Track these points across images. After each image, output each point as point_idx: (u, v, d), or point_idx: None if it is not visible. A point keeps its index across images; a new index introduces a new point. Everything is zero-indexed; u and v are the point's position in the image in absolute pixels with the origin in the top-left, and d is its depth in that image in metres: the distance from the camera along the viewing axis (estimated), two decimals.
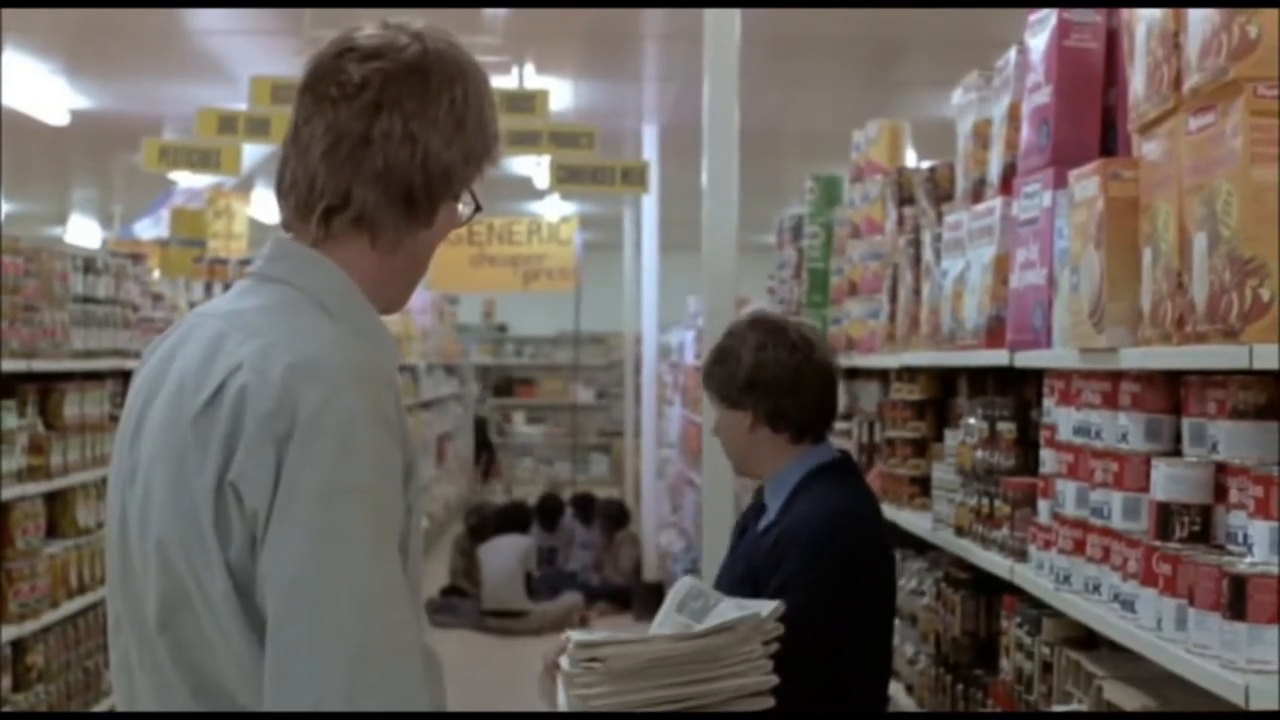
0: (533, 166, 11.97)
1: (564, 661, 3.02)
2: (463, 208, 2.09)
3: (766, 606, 2.96)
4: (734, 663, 2.89)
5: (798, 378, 3.54)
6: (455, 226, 2.10)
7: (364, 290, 2.01)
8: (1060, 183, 3.09)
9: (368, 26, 2.05)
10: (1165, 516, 2.49)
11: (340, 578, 1.78)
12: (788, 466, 3.53)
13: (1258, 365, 2.20)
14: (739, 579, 3.42)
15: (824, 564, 3.33)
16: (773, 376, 3.52)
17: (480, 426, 21.64)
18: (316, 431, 1.80)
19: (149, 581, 1.91)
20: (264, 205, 16.71)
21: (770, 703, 2.91)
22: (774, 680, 2.91)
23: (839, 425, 5.56)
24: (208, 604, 1.85)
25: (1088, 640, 3.03)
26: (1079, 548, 2.84)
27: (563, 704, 2.99)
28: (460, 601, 11.80)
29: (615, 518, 13.58)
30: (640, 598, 11.99)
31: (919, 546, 4.41)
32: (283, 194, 2.03)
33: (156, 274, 9.71)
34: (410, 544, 1.92)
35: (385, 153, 1.97)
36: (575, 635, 3.01)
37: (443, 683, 2.02)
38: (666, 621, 3.21)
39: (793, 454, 3.54)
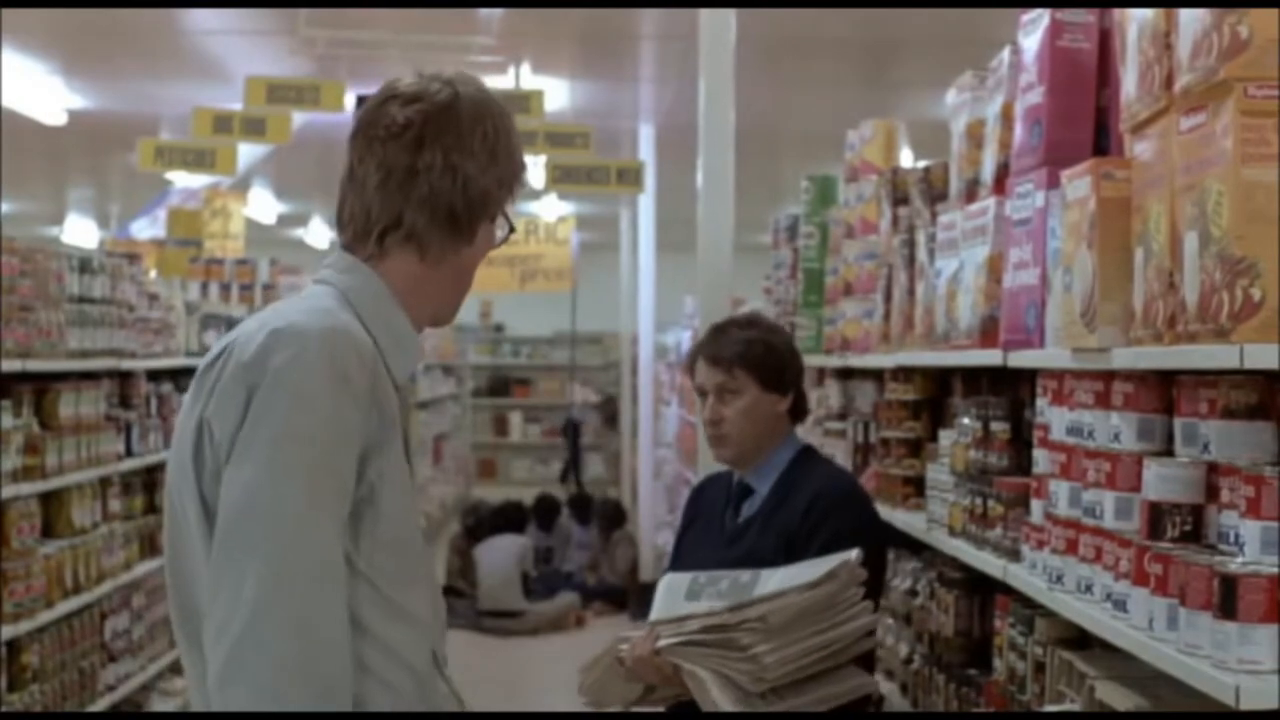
0: (529, 166, 11.98)
1: (665, 641, 3.31)
2: (498, 230, 2.40)
3: (838, 558, 3.34)
4: (845, 607, 3.30)
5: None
6: (493, 246, 2.41)
7: (409, 297, 2.31)
8: (1053, 183, 3.09)
9: (406, 77, 2.38)
10: (1157, 516, 2.49)
11: (273, 507, 2.07)
12: (778, 450, 3.85)
13: (1249, 365, 2.20)
14: (771, 552, 3.63)
15: (865, 520, 3.77)
16: (802, 366, 3.95)
17: (574, 430, 21.47)
18: (280, 383, 2.10)
19: (167, 527, 2.24)
20: (260, 205, 16.67)
21: (875, 641, 3.49)
22: (878, 617, 3.46)
23: (834, 425, 5.58)
24: (188, 533, 2.17)
25: (1080, 640, 3.03)
26: (1071, 547, 2.84)
27: (712, 691, 3.24)
28: (456, 602, 11.79)
29: (612, 518, 13.58)
30: (636, 598, 11.98)
31: (913, 546, 4.41)
32: (343, 225, 2.35)
33: (153, 274, 9.71)
34: (385, 500, 2.17)
35: (430, 181, 2.29)
36: (714, 605, 3.34)
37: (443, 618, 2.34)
38: (673, 610, 3.43)
39: (786, 439, 3.88)
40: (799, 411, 3.93)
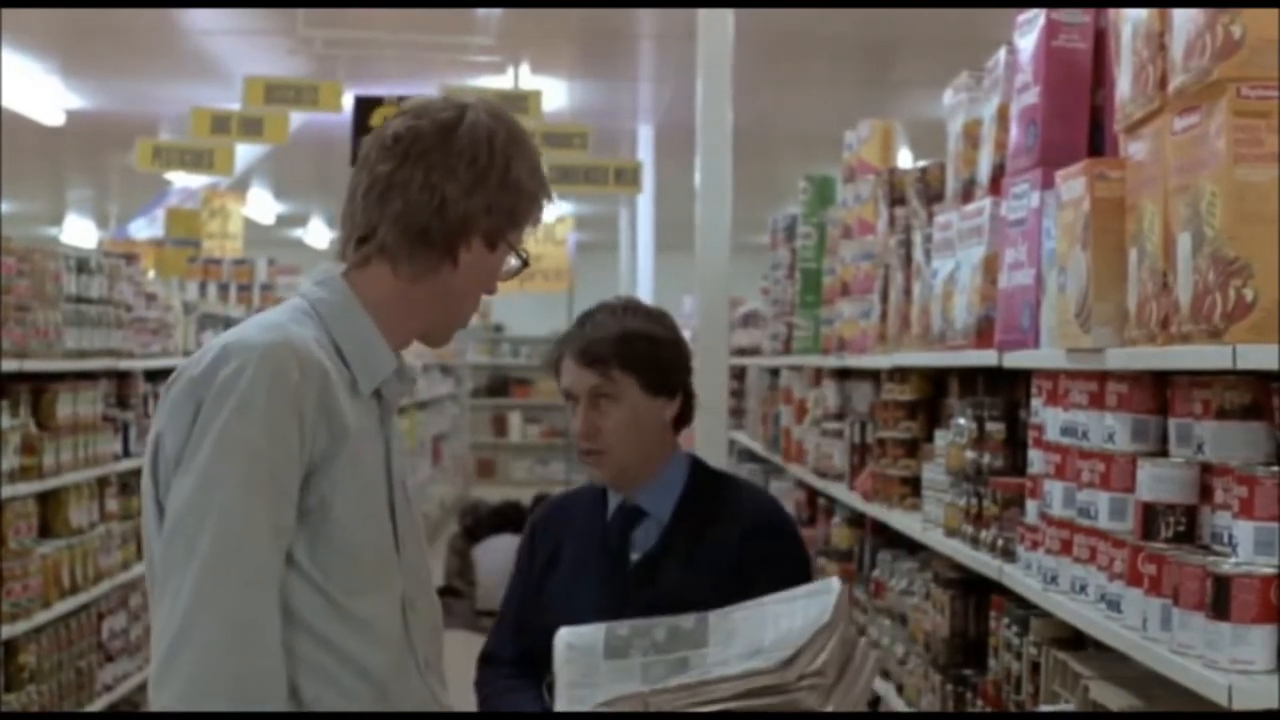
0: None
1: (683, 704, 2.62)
2: (512, 260, 2.37)
3: (826, 591, 2.73)
4: (854, 644, 2.73)
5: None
6: (501, 277, 2.38)
7: (383, 309, 2.29)
8: (1048, 183, 3.09)
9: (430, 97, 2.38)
10: (1151, 517, 2.49)
11: (209, 510, 2.09)
12: (669, 465, 3.21)
13: (1241, 365, 2.21)
14: (707, 590, 2.97)
15: (800, 545, 3.25)
16: (689, 363, 3.28)
17: None
18: (224, 395, 2.12)
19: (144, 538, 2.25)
20: (258, 205, 16.65)
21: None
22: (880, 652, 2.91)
23: (831, 425, 5.58)
24: (151, 544, 2.18)
25: (1075, 640, 3.04)
26: (1066, 548, 2.84)
27: None
28: (454, 602, 11.78)
29: None
30: None
31: (909, 547, 4.41)
32: (340, 229, 2.35)
33: (151, 274, 9.72)
34: (338, 509, 2.17)
35: (405, 197, 2.26)
36: (752, 664, 2.63)
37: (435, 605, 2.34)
38: (591, 675, 2.79)
39: (674, 452, 3.23)
40: (685, 417, 3.25)
